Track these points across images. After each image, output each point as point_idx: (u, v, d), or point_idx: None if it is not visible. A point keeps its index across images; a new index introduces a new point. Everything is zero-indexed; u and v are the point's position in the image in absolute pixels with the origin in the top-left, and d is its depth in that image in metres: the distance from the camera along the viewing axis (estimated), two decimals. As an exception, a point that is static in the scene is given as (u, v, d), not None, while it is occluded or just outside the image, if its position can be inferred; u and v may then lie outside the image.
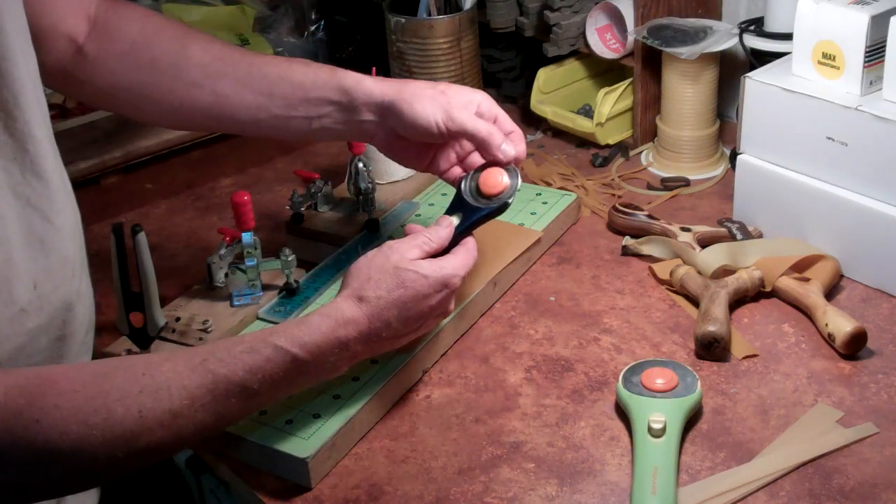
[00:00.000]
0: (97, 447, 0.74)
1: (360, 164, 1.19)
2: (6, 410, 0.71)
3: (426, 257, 0.92)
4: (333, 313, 0.87)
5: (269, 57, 1.07)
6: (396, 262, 0.90)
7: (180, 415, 0.78)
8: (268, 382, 0.83)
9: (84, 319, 0.90)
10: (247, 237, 1.06)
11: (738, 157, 1.18)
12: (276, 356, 0.83)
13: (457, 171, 1.05)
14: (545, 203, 1.23)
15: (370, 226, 1.19)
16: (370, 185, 1.19)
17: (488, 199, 0.97)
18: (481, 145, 0.99)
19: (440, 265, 0.91)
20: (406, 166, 1.07)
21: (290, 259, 1.07)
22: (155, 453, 0.78)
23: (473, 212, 0.97)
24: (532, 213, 1.21)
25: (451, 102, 0.99)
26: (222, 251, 1.09)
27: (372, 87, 1.01)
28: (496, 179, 0.98)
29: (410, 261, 0.90)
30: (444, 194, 1.27)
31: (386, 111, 1.00)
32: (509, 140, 0.99)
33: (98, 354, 1.03)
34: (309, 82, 1.02)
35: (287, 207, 1.22)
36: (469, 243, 0.95)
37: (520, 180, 0.98)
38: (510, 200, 0.97)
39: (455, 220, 0.96)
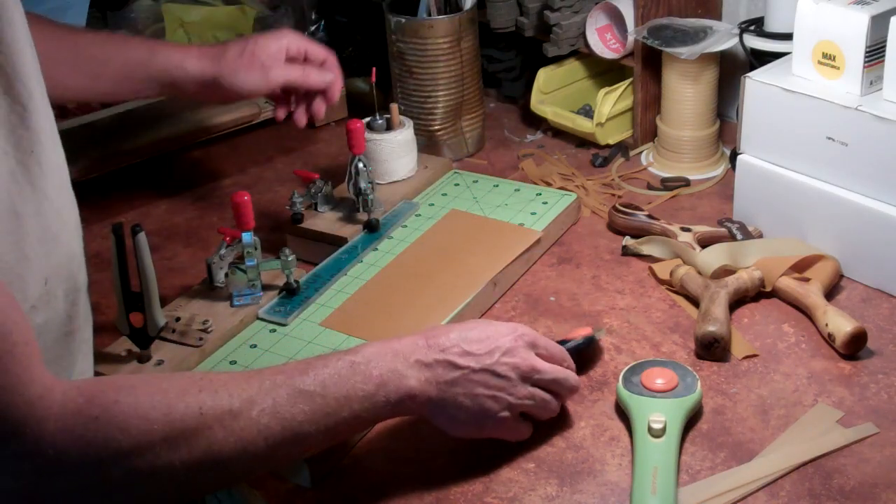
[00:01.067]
0: (158, 445, 0.72)
1: (360, 164, 1.19)
2: (64, 409, 0.70)
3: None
4: (394, 337, 0.86)
5: (91, 35, 1.18)
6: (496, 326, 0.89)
7: (241, 415, 0.76)
8: (330, 387, 0.80)
9: (86, 315, 0.90)
10: (247, 237, 1.06)
11: (738, 157, 1.18)
12: (331, 361, 0.82)
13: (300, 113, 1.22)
14: (545, 203, 1.24)
15: (370, 226, 1.19)
16: (370, 185, 1.19)
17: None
18: (301, 87, 1.19)
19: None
20: None
21: (290, 259, 1.07)
22: (217, 460, 0.75)
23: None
24: (532, 213, 1.22)
25: (264, 61, 1.15)
26: (222, 251, 1.09)
27: (190, 67, 1.15)
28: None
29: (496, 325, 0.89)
30: (444, 194, 1.27)
31: (208, 87, 1.16)
32: (323, 69, 1.20)
33: (98, 355, 1.03)
34: (132, 64, 1.15)
35: (287, 207, 1.22)
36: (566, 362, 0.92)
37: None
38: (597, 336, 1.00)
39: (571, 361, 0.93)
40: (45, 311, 0.82)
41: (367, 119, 1.28)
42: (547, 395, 0.89)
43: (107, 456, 0.71)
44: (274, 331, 1.04)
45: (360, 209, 1.20)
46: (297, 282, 1.09)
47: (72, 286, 0.86)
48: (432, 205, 1.25)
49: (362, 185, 1.19)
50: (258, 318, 1.07)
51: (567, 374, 0.90)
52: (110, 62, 1.13)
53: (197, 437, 0.74)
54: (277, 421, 0.77)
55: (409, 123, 1.29)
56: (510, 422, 0.88)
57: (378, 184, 1.24)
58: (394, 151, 1.26)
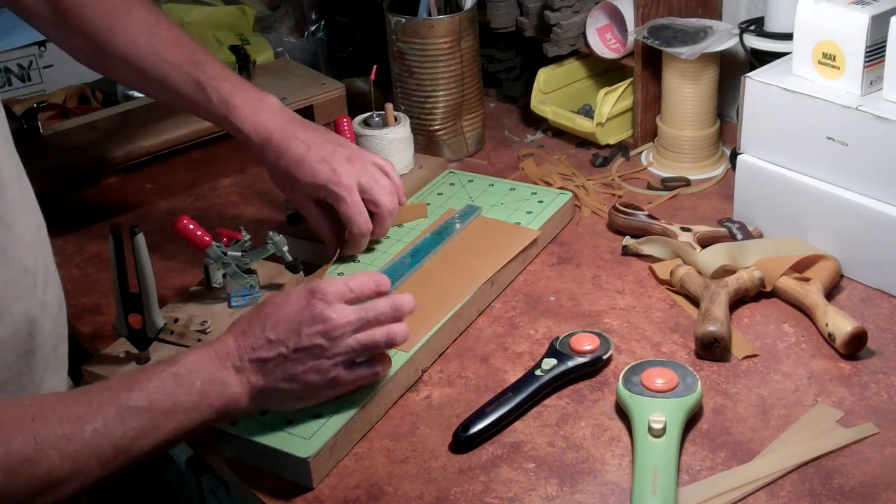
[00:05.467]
0: (1, 477, 0.72)
1: None
2: None
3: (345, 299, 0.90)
4: (207, 342, 0.89)
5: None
6: (278, 294, 0.91)
7: (74, 439, 0.76)
8: (157, 401, 0.81)
9: (51, 332, 0.89)
10: (212, 250, 1.06)
11: (739, 157, 1.18)
12: (154, 375, 0.82)
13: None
14: (541, 202, 1.23)
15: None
16: None
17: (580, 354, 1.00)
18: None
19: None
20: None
21: (277, 239, 1.08)
22: (56, 486, 0.75)
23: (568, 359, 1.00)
24: (528, 212, 1.21)
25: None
26: (220, 252, 1.09)
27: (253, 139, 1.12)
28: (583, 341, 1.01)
29: (294, 292, 0.90)
30: (439, 194, 1.27)
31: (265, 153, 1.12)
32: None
33: (97, 356, 1.03)
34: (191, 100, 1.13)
35: (285, 208, 1.22)
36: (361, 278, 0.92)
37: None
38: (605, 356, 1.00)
39: (387, 280, 0.93)
40: None
41: (365, 116, 1.28)
42: (371, 335, 0.89)
43: None
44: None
45: None
46: (296, 258, 1.09)
47: (30, 303, 0.85)
48: (428, 204, 1.25)
49: None
50: None
51: (378, 303, 0.90)
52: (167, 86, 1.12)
53: (35, 466, 0.74)
54: (109, 441, 0.78)
55: (405, 121, 1.29)
56: (344, 378, 0.89)
57: None
58: (387, 148, 1.26)
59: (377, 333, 0.89)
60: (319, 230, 1.13)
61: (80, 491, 0.78)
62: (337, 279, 0.91)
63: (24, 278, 0.84)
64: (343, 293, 0.89)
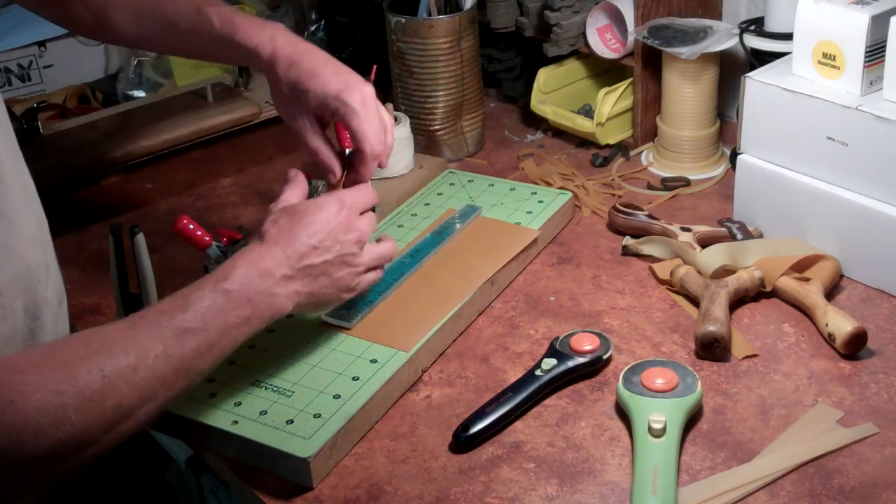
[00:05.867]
0: (74, 415, 0.74)
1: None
2: None
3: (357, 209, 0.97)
4: (251, 248, 0.90)
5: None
6: (312, 203, 0.95)
7: (140, 367, 0.78)
8: (211, 320, 0.84)
9: (53, 329, 0.89)
10: (212, 250, 1.06)
11: (739, 157, 1.18)
12: (206, 294, 0.85)
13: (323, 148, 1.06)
14: (541, 202, 1.24)
15: None
16: None
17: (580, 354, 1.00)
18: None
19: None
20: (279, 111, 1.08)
21: None
22: (129, 416, 0.78)
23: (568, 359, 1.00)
24: (528, 212, 1.21)
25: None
26: (220, 252, 1.09)
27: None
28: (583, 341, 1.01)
29: (326, 202, 0.95)
30: (439, 194, 1.27)
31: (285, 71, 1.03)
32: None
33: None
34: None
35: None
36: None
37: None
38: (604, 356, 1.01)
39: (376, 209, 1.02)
40: (0, 325, 0.81)
41: (365, 117, 1.28)
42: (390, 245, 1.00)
43: (29, 435, 0.72)
44: (272, 331, 1.04)
45: None
46: None
47: (31, 300, 0.85)
48: (428, 204, 1.25)
49: None
50: (322, 321, 1.05)
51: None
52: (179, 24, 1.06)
53: (107, 398, 0.76)
54: (170, 365, 0.81)
55: (405, 121, 1.29)
56: (364, 281, 0.97)
57: (372, 179, 1.24)
58: None
59: (385, 248, 1.00)
60: (320, 153, 1.04)
61: (149, 418, 0.80)
62: (358, 189, 0.98)
63: (27, 275, 0.84)
64: (365, 204, 0.98)
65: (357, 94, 0.99)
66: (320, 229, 0.92)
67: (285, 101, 1.04)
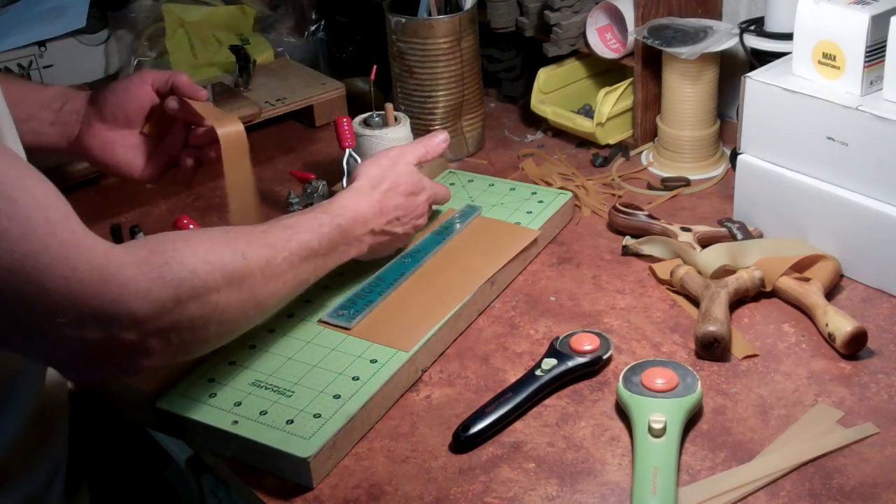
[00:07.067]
0: (221, 285, 0.82)
1: (354, 155, 1.20)
2: (136, 258, 0.76)
3: (419, 165, 1.12)
4: (355, 193, 1.04)
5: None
6: (398, 160, 1.09)
7: (271, 262, 0.89)
8: (324, 244, 0.97)
9: None
10: None
11: (739, 157, 1.18)
12: (326, 222, 0.98)
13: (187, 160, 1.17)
14: (541, 202, 1.24)
15: None
16: None
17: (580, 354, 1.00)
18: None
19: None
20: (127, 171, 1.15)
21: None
22: (256, 301, 0.87)
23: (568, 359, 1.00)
24: (528, 212, 1.22)
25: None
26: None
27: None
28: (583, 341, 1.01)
29: (408, 163, 1.10)
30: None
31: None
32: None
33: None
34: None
35: (285, 208, 1.22)
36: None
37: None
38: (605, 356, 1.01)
39: (446, 134, 1.16)
40: None
41: (365, 116, 1.28)
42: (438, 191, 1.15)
43: (184, 294, 0.78)
44: (272, 331, 1.04)
45: None
46: None
47: None
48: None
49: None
50: (321, 321, 1.05)
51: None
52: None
53: (244, 280, 0.85)
54: (291, 270, 0.92)
55: (405, 121, 1.29)
56: (413, 229, 1.11)
57: None
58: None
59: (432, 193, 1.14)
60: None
61: (264, 311, 0.90)
62: (414, 145, 1.14)
63: None
64: (439, 200, 1.16)
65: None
66: (404, 192, 1.07)
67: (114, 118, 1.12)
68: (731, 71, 1.37)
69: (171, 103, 1.12)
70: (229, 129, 1.07)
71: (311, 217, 0.98)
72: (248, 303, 0.86)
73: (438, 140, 1.14)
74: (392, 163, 1.08)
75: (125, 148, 1.13)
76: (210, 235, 0.86)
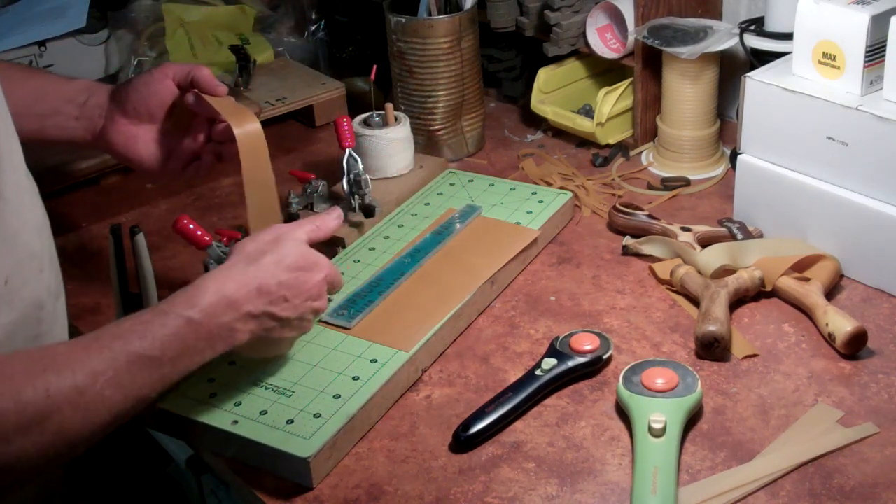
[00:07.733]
0: (11, 434, 0.72)
1: (354, 155, 1.20)
2: None
3: (311, 244, 0.94)
4: (221, 274, 0.87)
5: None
6: (283, 235, 0.92)
7: (86, 391, 0.76)
8: (168, 349, 0.81)
9: (59, 321, 0.89)
10: (212, 250, 1.05)
11: (739, 156, 1.18)
12: (170, 321, 0.82)
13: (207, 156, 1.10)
14: (541, 202, 1.24)
15: (366, 210, 1.19)
16: (361, 171, 1.19)
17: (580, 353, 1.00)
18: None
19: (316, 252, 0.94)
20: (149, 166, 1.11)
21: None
22: (67, 439, 0.76)
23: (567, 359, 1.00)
24: (528, 212, 1.21)
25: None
26: (220, 252, 1.09)
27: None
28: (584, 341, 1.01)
29: (297, 239, 0.93)
30: (439, 194, 1.27)
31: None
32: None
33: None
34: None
35: (284, 208, 1.22)
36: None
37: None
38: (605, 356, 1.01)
39: (340, 211, 0.99)
40: (7, 312, 0.81)
41: (365, 116, 1.28)
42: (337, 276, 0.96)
43: None
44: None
45: (353, 194, 1.20)
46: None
47: (35, 288, 0.85)
48: (428, 204, 1.25)
49: (352, 173, 1.19)
50: (322, 321, 1.05)
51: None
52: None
53: (47, 420, 0.74)
54: (120, 391, 0.78)
55: (405, 121, 1.29)
56: (314, 314, 0.94)
57: (371, 179, 1.24)
58: (386, 148, 1.27)
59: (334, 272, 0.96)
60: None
61: (89, 439, 0.78)
62: (303, 221, 0.96)
63: (31, 262, 0.85)
64: (318, 238, 0.96)
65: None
66: (289, 270, 0.90)
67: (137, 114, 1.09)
68: (731, 71, 1.37)
69: (189, 97, 1.08)
70: (247, 129, 1.04)
71: (151, 318, 0.83)
72: (53, 442, 0.75)
73: (332, 217, 0.98)
74: (275, 237, 0.92)
75: (147, 143, 1.10)
76: (12, 369, 0.75)
